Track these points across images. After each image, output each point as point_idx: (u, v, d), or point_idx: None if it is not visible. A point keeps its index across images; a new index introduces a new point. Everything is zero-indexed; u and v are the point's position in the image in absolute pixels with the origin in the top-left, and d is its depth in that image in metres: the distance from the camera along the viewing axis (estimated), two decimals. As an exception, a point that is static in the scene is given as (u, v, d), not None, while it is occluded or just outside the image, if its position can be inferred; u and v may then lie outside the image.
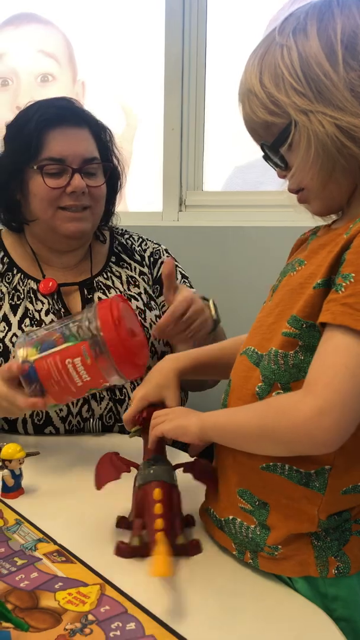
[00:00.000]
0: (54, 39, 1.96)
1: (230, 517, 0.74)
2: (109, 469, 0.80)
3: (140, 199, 1.92)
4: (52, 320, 1.19)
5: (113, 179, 1.29)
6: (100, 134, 1.25)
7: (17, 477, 0.91)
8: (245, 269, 1.64)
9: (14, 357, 0.97)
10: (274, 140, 0.71)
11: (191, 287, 1.34)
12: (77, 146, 1.18)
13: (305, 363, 0.67)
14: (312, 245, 0.74)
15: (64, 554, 0.76)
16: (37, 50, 1.96)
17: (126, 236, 1.37)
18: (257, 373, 0.72)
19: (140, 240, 1.37)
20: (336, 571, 0.68)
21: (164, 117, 1.82)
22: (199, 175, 1.85)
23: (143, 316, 1.23)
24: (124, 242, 1.35)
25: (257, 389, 0.71)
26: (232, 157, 1.79)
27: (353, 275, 0.63)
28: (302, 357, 0.67)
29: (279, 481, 0.70)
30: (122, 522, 0.81)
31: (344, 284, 0.63)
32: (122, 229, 1.39)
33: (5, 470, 0.91)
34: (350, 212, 0.72)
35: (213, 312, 1.12)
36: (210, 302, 1.13)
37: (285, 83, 0.68)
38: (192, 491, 0.81)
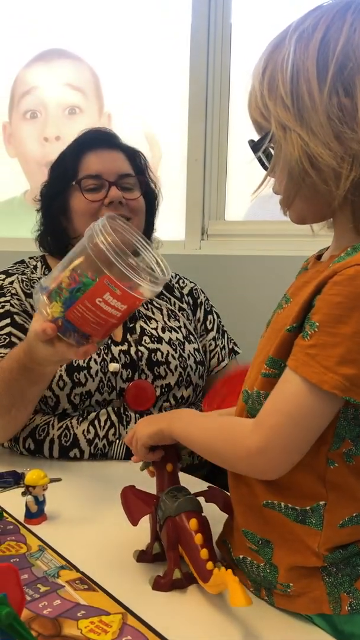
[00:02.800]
0: (82, 73, 2.02)
1: (241, 556, 0.74)
2: (138, 503, 0.80)
3: (163, 227, 1.94)
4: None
5: (150, 198, 1.35)
6: (135, 158, 1.33)
7: (41, 503, 0.92)
8: (267, 298, 1.64)
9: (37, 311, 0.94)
10: (257, 141, 0.71)
11: (223, 325, 1.41)
12: (111, 164, 1.28)
13: None
14: (298, 281, 0.73)
15: (87, 582, 0.76)
16: (65, 84, 2.02)
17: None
18: (245, 411, 0.74)
19: (177, 277, 1.43)
20: (349, 607, 0.67)
21: (187, 148, 1.86)
22: (221, 205, 1.87)
23: (182, 347, 1.29)
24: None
25: None
26: (254, 187, 1.81)
27: (318, 324, 0.63)
28: None
29: (279, 518, 0.70)
30: (143, 557, 0.81)
31: (310, 332, 0.63)
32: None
33: (29, 496, 0.91)
34: (336, 239, 0.72)
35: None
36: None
37: (277, 91, 0.67)
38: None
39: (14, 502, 0.94)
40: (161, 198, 1.40)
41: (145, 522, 0.81)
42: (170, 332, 1.29)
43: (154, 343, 1.26)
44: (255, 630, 0.68)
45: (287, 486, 0.69)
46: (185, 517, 0.76)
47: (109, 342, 1.24)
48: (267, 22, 1.74)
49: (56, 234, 1.32)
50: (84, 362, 1.20)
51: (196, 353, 1.30)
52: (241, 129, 1.82)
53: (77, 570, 0.79)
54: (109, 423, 1.19)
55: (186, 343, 1.30)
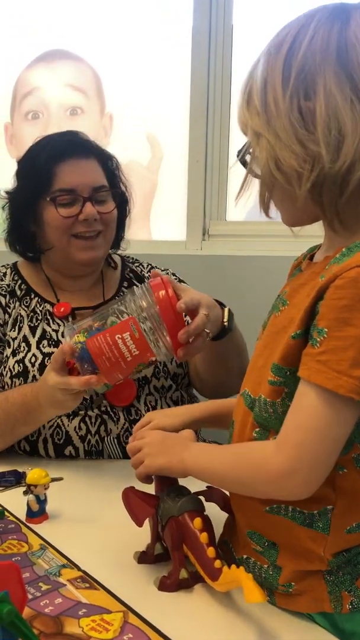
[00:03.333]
0: (83, 74, 2.02)
1: (245, 556, 0.74)
2: (141, 504, 0.79)
3: (165, 228, 1.95)
4: None
5: (122, 205, 1.33)
6: (107, 163, 1.30)
7: (42, 502, 0.93)
8: (268, 298, 1.64)
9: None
10: (238, 150, 0.73)
11: None
12: (85, 176, 1.24)
13: None
14: (294, 284, 0.73)
15: (88, 580, 0.76)
16: (66, 85, 2.03)
17: (136, 264, 1.41)
18: (252, 418, 0.73)
19: (150, 267, 1.40)
20: (350, 606, 0.68)
21: (188, 149, 1.86)
22: (222, 205, 1.88)
23: None
24: (135, 269, 1.39)
25: (255, 434, 0.72)
26: (255, 187, 1.81)
27: (326, 330, 0.62)
28: (290, 403, 0.67)
29: (284, 523, 0.70)
30: (144, 558, 0.81)
31: (318, 339, 0.63)
32: (132, 258, 1.44)
33: (31, 495, 0.92)
34: (327, 239, 0.72)
35: (226, 317, 1.13)
36: (226, 310, 1.14)
37: (252, 101, 0.69)
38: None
39: (15, 501, 0.94)
40: (132, 204, 1.36)
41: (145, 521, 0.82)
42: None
43: None
44: (256, 628, 0.69)
45: None
46: (188, 516, 0.76)
47: (111, 308, 1.24)
48: (268, 24, 1.74)
49: (25, 240, 1.31)
50: None
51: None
52: (242, 130, 1.82)
53: (79, 568, 0.79)
54: (99, 419, 1.19)
55: None
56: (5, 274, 1.35)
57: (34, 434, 1.21)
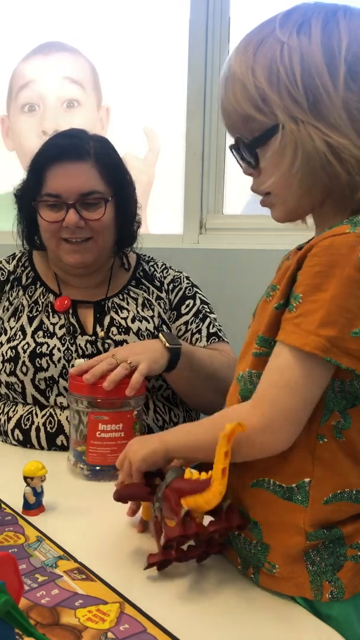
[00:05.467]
0: (80, 66, 2.01)
1: (236, 533, 0.76)
2: (136, 486, 0.80)
3: (162, 221, 1.94)
4: (64, 334, 1.25)
5: (125, 205, 1.29)
6: (107, 162, 1.25)
7: (39, 494, 0.93)
8: (264, 291, 1.65)
9: None
10: (254, 138, 0.70)
11: (211, 312, 1.37)
12: (73, 181, 1.21)
13: None
14: (282, 269, 0.75)
15: (84, 572, 0.77)
16: (63, 77, 2.02)
17: (151, 263, 1.40)
18: (237, 395, 0.75)
19: (163, 267, 1.40)
20: (330, 596, 0.69)
21: (185, 142, 1.86)
22: (219, 199, 1.87)
23: (151, 338, 1.26)
24: (147, 269, 1.38)
25: None
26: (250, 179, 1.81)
27: (301, 295, 0.66)
28: None
29: (266, 497, 0.72)
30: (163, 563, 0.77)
31: (294, 304, 0.66)
32: (149, 257, 1.42)
33: (27, 488, 0.92)
34: (321, 229, 0.73)
35: (165, 341, 1.14)
36: (160, 335, 1.16)
37: (280, 83, 0.67)
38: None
39: (12, 493, 0.94)
40: (137, 202, 1.33)
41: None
42: (141, 321, 1.27)
43: (121, 334, 1.25)
44: (250, 615, 0.69)
45: (278, 462, 0.70)
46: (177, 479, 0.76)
47: (77, 334, 1.26)
48: (265, 16, 1.74)
49: (32, 235, 1.33)
50: (46, 349, 1.23)
51: None
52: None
53: (75, 560, 0.79)
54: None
55: (156, 333, 1.27)
56: (15, 257, 1.37)
57: (27, 422, 1.22)
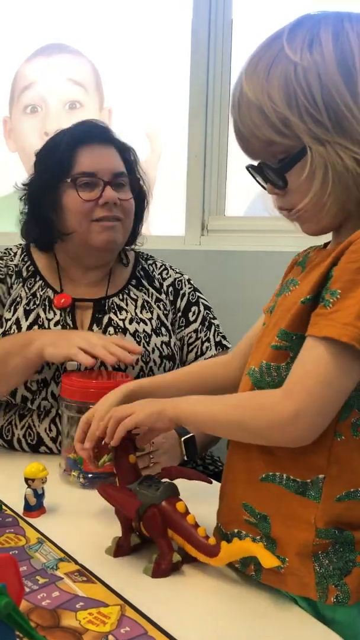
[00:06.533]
0: (83, 68, 2.01)
1: (236, 530, 0.75)
2: (125, 498, 0.80)
3: (163, 223, 1.94)
4: None
5: (139, 198, 1.33)
6: (126, 154, 1.31)
7: (40, 496, 0.93)
8: (267, 293, 1.65)
9: None
10: (282, 164, 0.69)
11: (214, 317, 1.37)
12: (106, 161, 1.25)
13: None
14: (307, 266, 0.75)
15: (85, 574, 0.76)
16: (65, 79, 2.02)
17: (150, 262, 1.40)
18: (252, 383, 0.75)
19: (163, 267, 1.39)
20: (335, 600, 0.69)
21: (187, 144, 1.86)
22: (221, 201, 1.87)
23: (147, 340, 1.25)
24: (147, 268, 1.38)
25: None
26: (254, 182, 1.81)
27: (339, 291, 0.65)
28: None
29: (277, 491, 0.71)
30: (120, 551, 0.81)
31: (331, 300, 0.65)
32: (147, 254, 1.42)
33: (28, 489, 0.92)
34: (343, 233, 0.73)
35: (183, 450, 1.10)
36: (182, 441, 1.10)
37: (300, 106, 0.65)
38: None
39: (13, 494, 0.94)
40: (150, 197, 1.37)
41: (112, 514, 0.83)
42: (139, 323, 1.26)
43: (118, 334, 1.24)
44: (251, 616, 0.69)
45: (292, 458, 0.70)
46: (170, 502, 0.78)
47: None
48: (268, 19, 1.74)
49: (43, 227, 1.29)
50: None
51: (163, 347, 1.26)
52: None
53: (76, 562, 0.79)
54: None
55: (153, 336, 1.26)
56: (15, 254, 1.36)
57: (7, 434, 1.23)
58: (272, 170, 0.70)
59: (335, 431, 0.69)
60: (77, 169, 1.23)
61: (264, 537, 0.73)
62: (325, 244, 0.78)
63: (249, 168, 0.75)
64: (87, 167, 1.23)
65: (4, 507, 0.93)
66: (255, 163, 0.73)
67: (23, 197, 1.31)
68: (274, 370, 0.71)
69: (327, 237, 0.78)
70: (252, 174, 0.75)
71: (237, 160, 1.87)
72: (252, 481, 0.74)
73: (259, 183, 0.75)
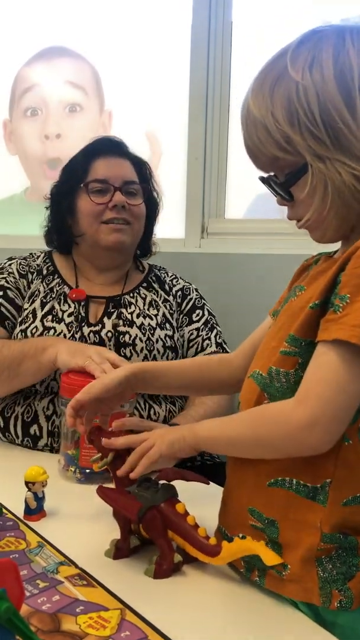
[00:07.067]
0: (83, 71, 2.02)
1: (240, 534, 0.75)
2: (127, 501, 0.80)
3: (164, 225, 1.94)
4: (72, 322, 1.30)
5: (152, 206, 1.42)
6: (141, 167, 1.41)
7: (40, 499, 0.93)
8: (267, 296, 1.65)
9: None
10: (286, 179, 0.72)
11: (217, 324, 1.43)
12: (118, 170, 1.36)
13: None
14: (313, 272, 0.76)
15: (85, 578, 0.76)
16: (66, 82, 2.03)
17: (162, 271, 1.49)
18: (263, 394, 0.75)
19: (173, 276, 1.48)
20: (338, 604, 0.69)
21: (187, 147, 1.86)
22: (221, 203, 1.87)
23: (152, 332, 1.32)
24: (159, 275, 1.46)
25: None
26: (254, 185, 1.81)
27: (349, 296, 0.66)
28: (303, 374, 0.70)
29: (285, 496, 0.71)
30: (120, 553, 0.82)
31: (341, 305, 0.66)
32: (160, 266, 1.50)
33: (29, 493, 0.92)
34: (351, 242, 0.73)
35: None
36: None
37: (301, 124, 0.68)
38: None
39: (13, 498, 0.94)
40: (161, 207, 1.47)
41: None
42: (145, 318, 1.34)
43: (125, 326, 1.31)
44: (251, 619, 0.69)
45: (302, 463, 0.70)
46: (170, 503, 0.78)
47: (83, 323, 1.31)
48: (267, 21, 1.74)
49: (61, 231, 1.40)
50: (53, 334, 1.28)
51: (167, 339, 1.33)
52: (241, 129, 1.82)
53: (76, 566, 0.79)
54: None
55: (157, 329, 1.33)
56: (38, 256, 1.45)
57: (8, 410, 1.28)
58: (278, 185, 0.74)
59: (343, 435, 0.69)
60: (91, 177, 1.34)
61: (271, 542, 0.73)
62: (335, 252, 0.79)
63: (262, 180, 0.77)
64: (100, 175, 1.34)
65: (4, 510, 0.93)
66: (266, 176, 0.76)
67: (48, 207, 1.42)
68: (283, 376, 0.72)
69: (338, 245, 0.79)
70: (265, 185, 0.78)
71: (237, 163, 1.88)
72: (259, 486, 0.73)
73: (273, 194, 0.78)
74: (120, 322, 1.31)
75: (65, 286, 1.37)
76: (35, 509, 0.92)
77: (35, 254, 1.46)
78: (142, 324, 1.33)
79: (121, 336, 1.30)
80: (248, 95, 0.73)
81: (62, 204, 1.37)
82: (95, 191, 1.33)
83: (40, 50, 2.03)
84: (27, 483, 0.92)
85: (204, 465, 1.29)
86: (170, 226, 1.91)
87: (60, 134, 2.00)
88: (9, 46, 2.04)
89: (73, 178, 1.36)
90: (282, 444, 0.69)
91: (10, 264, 1.41)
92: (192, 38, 1.83)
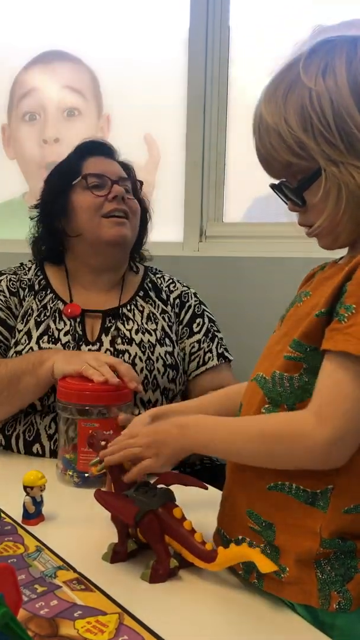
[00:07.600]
0: (81, 75, 2.02)
1: (240, 537, 0.76)
2: (124, 505, 0.80)
3: (162, 229, 1.95)
4: (69, 341, 1.27)
5: (142, 211, 1.40)
6: (129, 172, 1.40)
7: (38, 504, 0.92)
8: (266, 299, 1.65)
9: None
10: (299, 184, 0.73)
11: (218, 330, 1.40)
12: (112, 167, 1.36)
13: (310, 384, 0.70)
14: (318, 278, 0.77)
15: (84, 582, 0.76)
16: (64, 86, 2.03)
17: (158, 275, 1.44)
18: (264, 397, 0.75)
19: (170, 281, 1.43)
20: (337, 606, 0.69)
21: (186, 150, 1.86)
22: (219, 207, 1.87)
23: (152, 350, 1.29)
24: (155, 280, 1.42)
25: (264, 410, 0.74)
26: (252, 188, 1.81)
27: (354, 306, 0.66)
28: (307, 379, 0.70)
29: (285, 500, 0.71)
30: (117, 557, 0.81)
31: (346, 315, 0.66)
32: (155, 269, 1.47)
33: (27, 497, 0.92)
34: (357, 248, 0.75)
35: None
36: None
37: (315, 129, 0.69)
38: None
39: (11, 502, 0.94)
40: (151, 213, 1.45)
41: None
42: (144, 334, 1.30)
43: (124, 344, 1.28)
44: (250, 624, 0.69)
45: (304, 469, 0.70)
46: (167, 508, 0.78)
47: (81, 342, 1.28)
48: (265, 25, 1.75)
49: (53, 236, 1.36)
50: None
51: (167, 356, 1.29)
52: (239, 132, 1.83)
53: (74, 570, 0.79)
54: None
55: (157, 346, 1.29)
56: (30, 269, 1.40)
57: (9, 429, 1.25)
58: (291, 190, 0.74)
59: None
60: (86, 172, 1.32)
61: (268, 545, 0.73)
62: (340, 259, 0.79)
63: (272, 187, 0.78)
64: (96, 170, 1.33)
65: (2, 515, 0.93)
66: (277, 182, 0.77)
67: (34, 218, 1.39)
68: (287, 381, 0.72)
69: (343, 251, 0.79)
70: (275, 191, 0.78)
71: (235, 166, 1.88)
72: (259, 489, 0.74)
73: (283, 201, 0.78)
74: (119, 339, 1.28)
75: (59, 301, 1.32)
76: (34, 513, 0.92)
77: (26, 265, 1.41)
78: (142, 340, 1.29)
79: (120, 355, 1.26)
80: (260, 103, 0.74)
81: (55, 205, 1.33)
82: (93, 186, 1.31)
83: (38, 54, 2.03)
84: (25, 487, 0.92)
85: (204, 468, 1.28)
86: (168, 230, 1.91)
87: (58, 138, 2.00)
88: (7, 51, 2.04)
89: (67, 176, 1.34)
90: (300, 461, 0.69)
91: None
92: (190, 42, 1.83)
